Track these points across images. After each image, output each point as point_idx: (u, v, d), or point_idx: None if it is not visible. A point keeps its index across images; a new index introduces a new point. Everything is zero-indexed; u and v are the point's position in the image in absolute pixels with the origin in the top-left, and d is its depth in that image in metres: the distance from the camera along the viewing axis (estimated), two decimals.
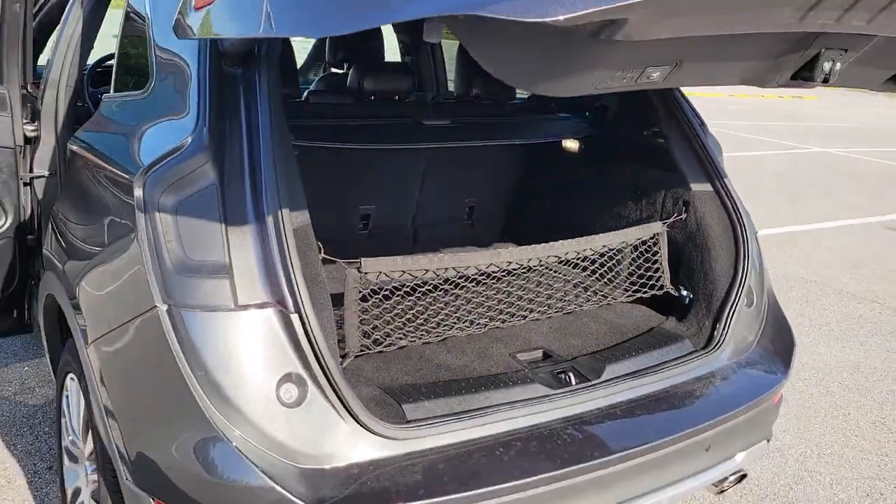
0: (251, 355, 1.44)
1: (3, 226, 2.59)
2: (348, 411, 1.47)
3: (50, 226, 1.99)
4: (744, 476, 2.09)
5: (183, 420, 1.44)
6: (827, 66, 1.49)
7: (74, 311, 1.71)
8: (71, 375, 1.97)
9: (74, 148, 1.94)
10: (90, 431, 1.80)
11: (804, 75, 1.54)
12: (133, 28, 2.01)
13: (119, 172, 1.64)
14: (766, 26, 1.27)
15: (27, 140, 2.62)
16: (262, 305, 1.45)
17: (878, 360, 3.88)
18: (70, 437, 2.10)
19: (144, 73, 1.85)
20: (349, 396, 1.47)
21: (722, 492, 2.14)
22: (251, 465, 1.38)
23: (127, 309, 1.52)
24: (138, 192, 1.50)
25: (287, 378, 1.45)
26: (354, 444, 1.48)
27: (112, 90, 2.01)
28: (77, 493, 2.05)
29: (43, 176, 2.67)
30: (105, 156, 1.77)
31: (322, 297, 1.54)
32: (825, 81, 1.53)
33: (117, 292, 1.57)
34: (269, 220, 1.49)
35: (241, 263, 1.44)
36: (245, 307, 1.45)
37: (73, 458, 2.08)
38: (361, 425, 1.48)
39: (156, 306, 1.46)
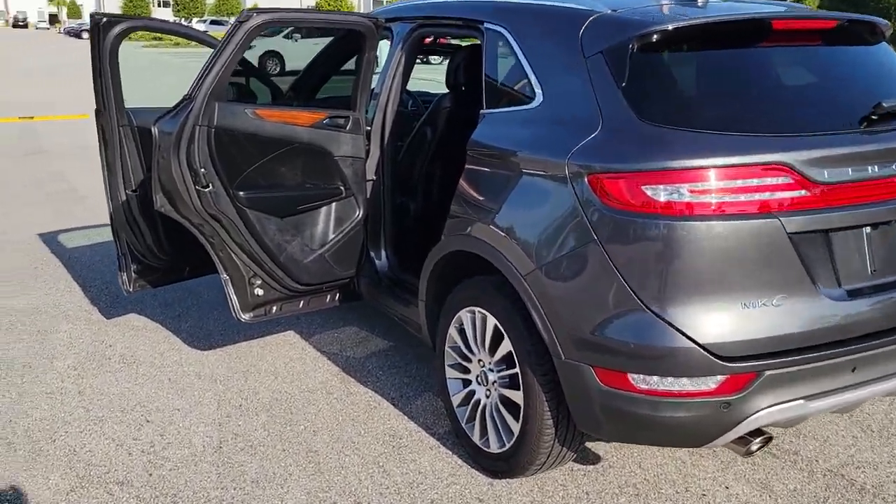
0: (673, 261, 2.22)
1: (357, 217, 3.49)
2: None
3: (454, 207, 2.84)
4: None
5: (620, 309, 2.23)
6: None
7: (503, 258, 2.53)
8: (469, 308, 2.80)
9: (475, 149, 2.78)
10: (506, 338, 2.61)
11: None
12: (499, 64, 2.85)
13: (542, 158, 2.45)
14: None
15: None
16: None
17: None
18: (455, 358, 2.94)
19: (524, 92, 2.68)
20: None
21: None
22: (676, 332, 2.16)
23: (567, 246, 2.33)
24: (573, 170, 2.32)
25: None
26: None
27: (485, 107, 2.84)
28: (471, 394, 2.88)
29: (372, 180, 3.56)
30: (515, 150, 2.59)
31: None
32: None
33: (553, 237, 2.38)
34: None
35: None
36: None
37: (463, 370, 2.92)
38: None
39: (595, 240, 2.26)
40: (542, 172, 2.47)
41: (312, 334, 4.10)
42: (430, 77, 7.57)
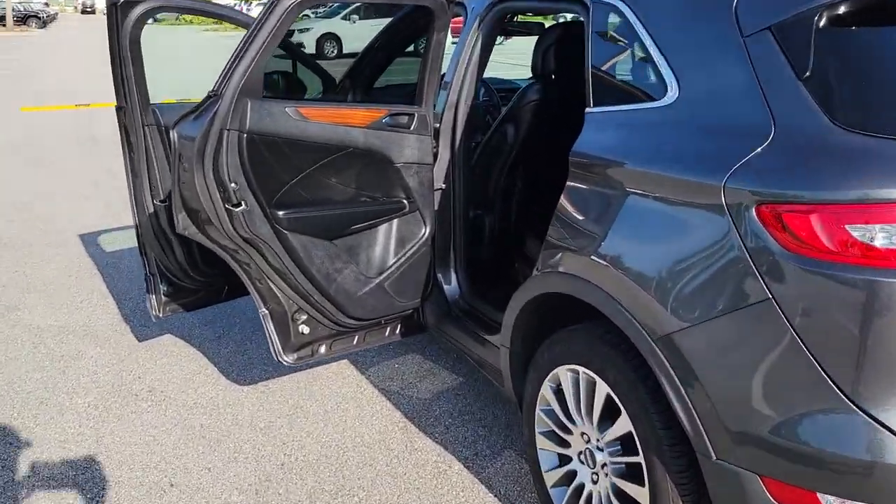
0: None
1: (423, 235, 2.86)
2: None
3: (552, 234, 2.18)
4: None
5: (808, 400, 1.55)
6: None
7: (625, 313, 1.87)
8: (571, 367, 2.15)
9: (580, 160, 2.10)
10: (624, 414, 1.96)
11: None
12: (611, 46, 2.17)
13: (683, 178, 1.77)
14: None
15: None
16: None
17: None
18: (550, 425, 2.30)
19: (649, 85, 2.00)
20: None
21: None
22: None
23: (725, 303, 1.65)
24: (734, 197, 1.64)
25: None
26: None
27: (592, 105, 2.17)
28: (571, 475, 2.24)
29: (440, 189, 2.93)
30: (639, 165, 1.91)
31: None
32: None
33: (703, 290, 1.70)
34: None
35: None
36: None
37: (561, 442, 2.28)
38: None
39: (768, 297, 1.58)
40: (682, 198, 1.79)
41: (369, 365, 3.51)
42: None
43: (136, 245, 5.10)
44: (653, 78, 1.99)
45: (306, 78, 3.67)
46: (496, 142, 3.07)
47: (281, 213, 2.46)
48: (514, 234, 3.17)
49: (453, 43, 2.97)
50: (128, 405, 3.17)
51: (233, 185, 2.35)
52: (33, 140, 9.12)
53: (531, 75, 2.97)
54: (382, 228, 2.75)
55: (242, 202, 2.39)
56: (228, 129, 2.30)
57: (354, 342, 2.90)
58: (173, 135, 2.34)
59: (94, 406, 3.16)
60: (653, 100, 1.98)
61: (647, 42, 2.01)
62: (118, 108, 3.07)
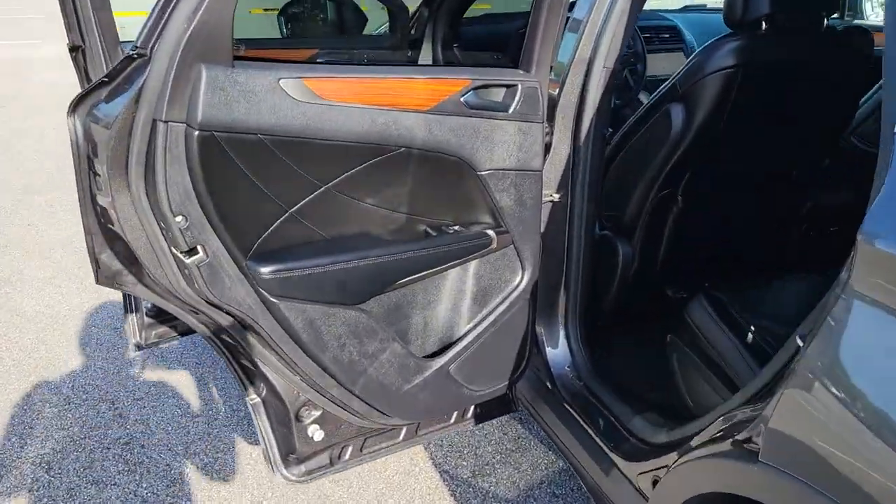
0: None
1: (519, 284, 1.75)
2: None
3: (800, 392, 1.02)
4: None
5: None
6: None
7: None
8: None
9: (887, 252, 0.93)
10: None
11: None
12: None
13: None
14: None
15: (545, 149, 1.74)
16: None
17: None
18: None
19: None
20: None
21: None
22: None
23: None
24: None
25: None
26: None
27: None
28: None
29: (551, 201, 1.79)
30: None
31: None
32: None
33: None
34: None
35: None
36: None
37: None
38: None
39: None
40: None
41: None
42: None
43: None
44: None
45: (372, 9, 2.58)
46: (653, 133, 1.87)
47: (267, 269, 1.39)
48: (662, 280, 2.01)
49: None
50: (91, 468, 2.28)
51: (178, 218, 1.29)
52: None
53: (725, 22, 1.73)
54: (451, 278, 1.65)
55: (199, 248, 1.34)
56: (166, 122, 1.22)
57: (401, 437, 1.87)
58: (72, 123, 1.29)
59: (45, 465, 2.28)
60: None
61: None
62: (73, 49, 2.06)
